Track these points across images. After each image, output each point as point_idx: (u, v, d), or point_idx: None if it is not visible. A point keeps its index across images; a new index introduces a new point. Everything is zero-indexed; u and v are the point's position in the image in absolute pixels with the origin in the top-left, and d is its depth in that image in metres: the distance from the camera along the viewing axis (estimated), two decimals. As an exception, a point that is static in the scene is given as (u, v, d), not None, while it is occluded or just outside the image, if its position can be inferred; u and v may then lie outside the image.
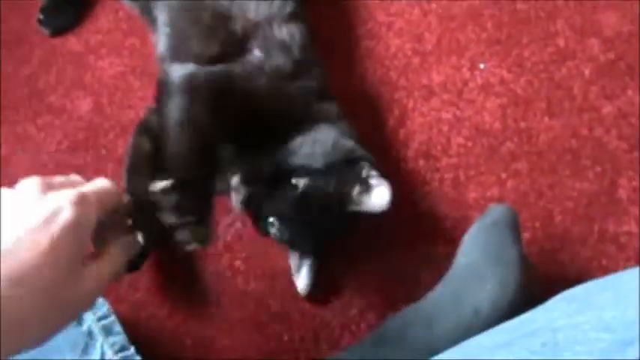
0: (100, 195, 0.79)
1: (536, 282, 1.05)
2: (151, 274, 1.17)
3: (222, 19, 1.20)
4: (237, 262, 1.19)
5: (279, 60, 1.16)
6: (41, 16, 1.45)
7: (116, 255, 0.82)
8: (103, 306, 1.07)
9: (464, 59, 1.36)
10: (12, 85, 1.40)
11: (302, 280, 1.13)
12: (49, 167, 1.30)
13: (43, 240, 0.69)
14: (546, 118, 1.29)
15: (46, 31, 1.45)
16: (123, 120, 1.34)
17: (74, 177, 0.82)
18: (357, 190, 1.05)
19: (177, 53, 1.20)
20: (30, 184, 0.75)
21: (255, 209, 1.07)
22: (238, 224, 1.19)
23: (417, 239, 1.19)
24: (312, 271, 1.13)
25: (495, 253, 1.04)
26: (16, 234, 0.69)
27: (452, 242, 1.17)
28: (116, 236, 0.84)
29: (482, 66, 1.34)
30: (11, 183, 1.21)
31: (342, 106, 1.24)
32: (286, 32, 1.20)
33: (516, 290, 1.00)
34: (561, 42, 1.37)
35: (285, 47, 1.18)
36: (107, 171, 1.28)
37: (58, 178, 0.79)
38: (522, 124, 1.28)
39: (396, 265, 1.17)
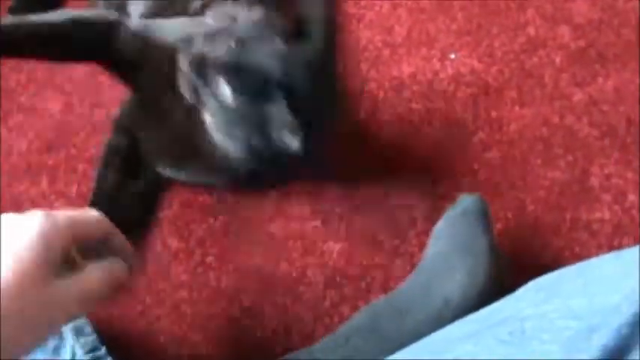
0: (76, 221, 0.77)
1: (508, 272, 1.05)
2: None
3: None
4: (209, 259, 1.18)
5: None
6: (13, 4, 1.43)
7: (102, 270, 0.79)
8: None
9: (434, 50, 1.36)
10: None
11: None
12: (21, 167, 1.29)
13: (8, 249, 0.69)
14: (517, 107, 1.29)
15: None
16: (94, 119, 1.33)
17: None
18: None
19: None
20: None
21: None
22: (210, 220, 1.19)
23: (388, 231, 1.18)
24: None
25: (465, 243, 1.04)
26: None
27: (424, 233, 1.17)
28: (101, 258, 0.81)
29: (452, 56, 1.34)
30: None
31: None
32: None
33: (486, 280, 1.01)
34: (532, 31, 1.37)
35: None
36: (78, 170, 1.26)
37: None
38: (493, 114, 1.28)
39: (368, 258, 1.16)
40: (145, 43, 1.08)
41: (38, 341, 0.73)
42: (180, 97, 1.00)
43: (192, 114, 1.01)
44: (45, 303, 0.70)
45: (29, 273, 0.69)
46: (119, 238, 0.85)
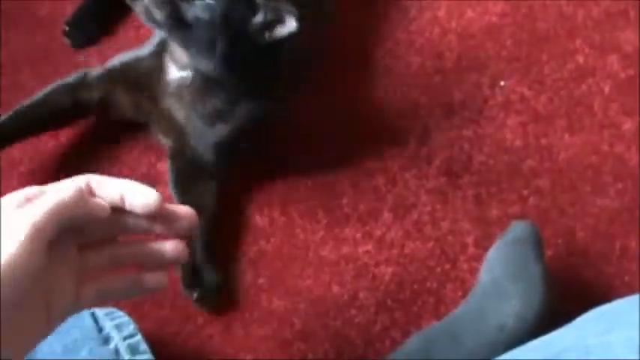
0: (55, 209, 0.65)
1: (560, 298, 1.06)
2: (176, 291, 1.18)
3: None
4: (261, 280, 1.19)
5: None
6: (66, 28, 1.46)
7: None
8: (129, 324, 1.07)
9: (484, 77, 1.37)
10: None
11: None
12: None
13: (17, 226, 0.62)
14: (567, 135, 1.30)
15: (68, 43, 1.46)
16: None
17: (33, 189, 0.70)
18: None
19: None
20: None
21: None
22: (262, 242, 1.20)
23: (440, 257, 1.19)
24: None
25: (519, 269, 1.05)
26: None
27: (474, 259, 1.18)
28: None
29: (502, 83, 1.35)
30: None
31: (363, 123, 1.29)
32: None
33: (541, 306, 1.01)
34: (580, 59, 1.38)
35: None
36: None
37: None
38: (543, 141, 1.29)
39: (419, 283, 1.17)
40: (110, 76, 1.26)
41: (37, 333, 0.67)
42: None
43: None
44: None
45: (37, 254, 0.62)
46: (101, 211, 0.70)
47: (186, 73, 1.16)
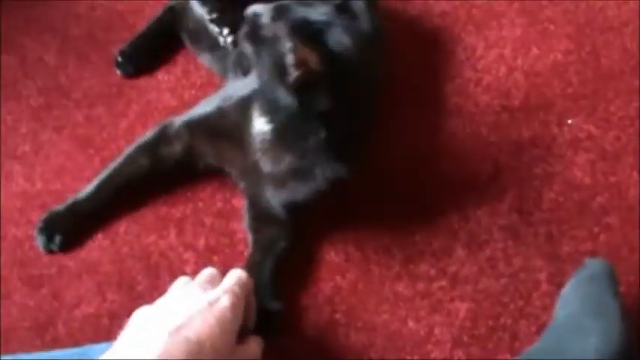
0: (241, 283, 1.02)
1: (635, 335, 1.07)
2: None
3: None
4: (338, 315, 1.21)
5: None
6: (119, 59, 1.50)
7: (256, 345, 1.03)
8: None
9: (551, 115, 1.39)
10: (110, 138, 1.43)
11: None
12: (149, 219, 1.33)
13: (210, 317, 0.92)
14: (635, 172, 1.31)
15: (119, 73, 1.50)
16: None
17: (210, 270, 1.07)
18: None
19: None
20: (187, 282, 1.03)
21: None
22: (338, 278, 1.23)
23: (513, 294, 1.21)
24: None
25: (596, 305, 1.06)
26: (188, 313, 0.93)
27: (547, 295, 1.20)
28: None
29: (569, 121, 1.37)
30: (109, 233, 1.29)
31: (434, 161, 1.32)
32: None
33: (620, 343, 1.02)
34: (646, 96, 1.40)
35: None
36: (205, 224, 1.31)
37: (202, 276, 1.05)
38: (612, 179, 1.31)
39: (493, 319, 1.19)
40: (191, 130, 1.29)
41: None
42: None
43: None
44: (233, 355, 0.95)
45: (227, 338, 0.92)
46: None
47: (270, 127, 1.18)
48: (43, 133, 1.43)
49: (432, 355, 1.17)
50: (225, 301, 0.96)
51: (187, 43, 1.52)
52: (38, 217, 1.30)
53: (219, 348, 0.91)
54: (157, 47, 1.54)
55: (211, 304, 0.95)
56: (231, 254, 1.27)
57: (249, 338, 1.03)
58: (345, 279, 1.24)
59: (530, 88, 1.43)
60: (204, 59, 1.49)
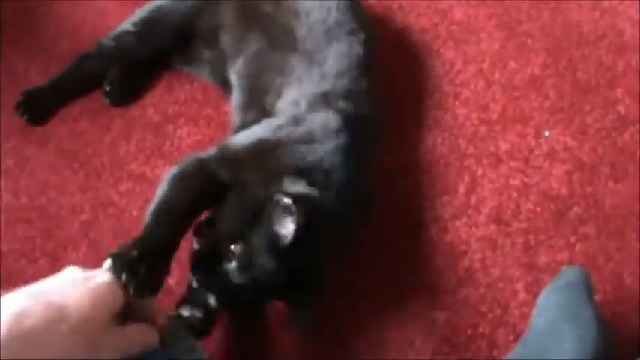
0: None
1: (611, 342, 1.09)
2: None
3: None
4: (320, 324, 1.22)
5: None
6: (107, 88, 1.52)
7: (137, 331, 0.96)
8: None
9: (528, 127, 1.42)
10: (95, 152, 1.46)
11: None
12: (133, 231, 1.34)
13: (82, 288, 0.89)
14: (611, 183, 1.34)
15: (107, 101, 1.52)
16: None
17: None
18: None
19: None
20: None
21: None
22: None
23: (491, 303, 1.23)
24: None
25: (572, 312, 1.07)
26: (60, 282, 0.90)
27: (525, 305, 1.21)
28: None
29: (546, 133, 1.40)
30: (94, 247, 1.28)
31: (412, 173, 1.34)
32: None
33: (595, 348, 1.03)
34: (622, 109, 1.43)
35: None
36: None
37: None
38: (588, 189, 1.33)
39: (472, 328, 1.21)
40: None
41: None
42: None
43: None
44: (101, 340, 0.88)
45: (100, 315, 0.88)
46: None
47: None
48: (28, 148, 1.45)
49: (413, 364, 1.19)
50: (103, 278, 0.93)
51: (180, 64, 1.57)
52: (23, 232, 1.32)
53: (87, 320, 0.86)
54: (143, 75, 1.57)
55: (87, 278, 0.91)
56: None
57: (133, 324, 0.96)
58: (327, 288, 1.25)
59: (508, 102, 1.45)
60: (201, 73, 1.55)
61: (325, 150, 1.19)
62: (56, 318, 0.82)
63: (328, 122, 1.22)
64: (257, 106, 1.34)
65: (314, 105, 1.26)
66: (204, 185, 1.17)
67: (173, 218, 1.12)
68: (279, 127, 1.22)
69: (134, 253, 1.01)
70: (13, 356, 0.77)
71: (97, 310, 0.87)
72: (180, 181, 1.17)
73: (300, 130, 1.21)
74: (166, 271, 1.07)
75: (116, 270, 0.97)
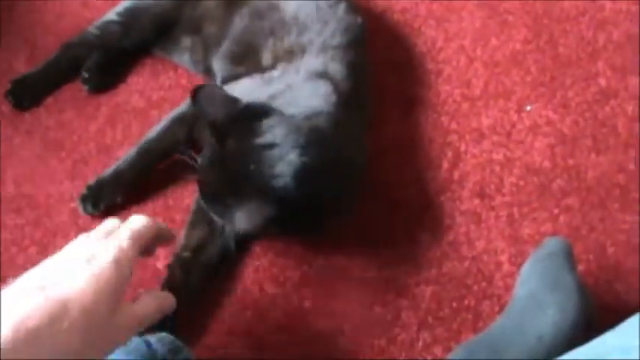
0: (134, 235, 0.91)
1: (593, 310, 1.10)
2: (222, 317, 1.24)
3: None
4: (306, 303, 1.23)
5: None
6: (85, 75, 1.53)
7: (149, 302, 0.92)
8: (182, 350, 1.11)
9: (511, 102, 1.43)
10: (81, 140, 1.46)
11: None
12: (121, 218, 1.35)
13: (84, 275, 0.82)
14: (593, 155, 1.35)
15: (85, 88, 1.53)
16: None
17: (111, 222, 0.95)
18: None
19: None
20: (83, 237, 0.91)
21: None
22: (305, 267, 1.25)
23: (476, 276, 1.24)
24: None
25: (553, 280, 1.09)
26: (60, 271, 0.83)
27: (509, 276, 1.23)
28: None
29: (528, 108, 1.41)
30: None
31: (396, 150, 1.35)
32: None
33: (577, 314, 1.05)
34: (603, 82, 1.44)
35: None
36: (176, 220, 1.33)
37: (101, 228, 0.93)
38: (570, 162, 1.34)
39: (457, 300, 1.22)
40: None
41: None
42: None
43: None
44: (110, 324, 0.83)
45: (102, 298, 0.82)
46: (168, 233, 1.02)
47: None
48: (15, 138, 1.45)
49: (399, 338, 1.20)
50: (106, 258, 0.85)
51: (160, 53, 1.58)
52: (12, 220, 1.33)
53: (92, 308, 0.80)
54: (121, 62, 1.58)
55: (89, 260, 0.84)
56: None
57: (143, 296, 0.93)
58: (311, 267, 1.26)
59: (490, 78, 1.46)
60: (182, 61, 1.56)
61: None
62: (60, 314, 0.78)
63: (322, 91, 1.25)
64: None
65: (308, 77, 1.29)
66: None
67: (153, 156, 1.36)
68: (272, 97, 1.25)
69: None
70: (15, 357, 0.74)
71: (103, 296, 0.83)
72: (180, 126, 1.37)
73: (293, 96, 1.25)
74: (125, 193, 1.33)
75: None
